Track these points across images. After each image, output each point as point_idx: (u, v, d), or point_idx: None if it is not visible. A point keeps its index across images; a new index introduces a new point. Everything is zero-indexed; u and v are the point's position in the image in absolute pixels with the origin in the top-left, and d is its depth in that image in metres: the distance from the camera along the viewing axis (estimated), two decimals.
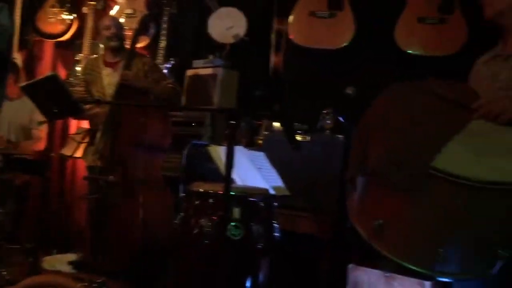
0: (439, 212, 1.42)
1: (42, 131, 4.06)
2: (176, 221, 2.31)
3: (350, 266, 2.43)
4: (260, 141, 3.34)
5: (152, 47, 4.25)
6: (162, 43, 4.09)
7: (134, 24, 3.96)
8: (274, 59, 3.77)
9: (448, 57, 3.34)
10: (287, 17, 3.72)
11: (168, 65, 4.01)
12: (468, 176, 1.36)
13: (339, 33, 3.58)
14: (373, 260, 2.36)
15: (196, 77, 3.85)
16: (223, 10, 3.93)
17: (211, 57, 3.85)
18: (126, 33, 3.60)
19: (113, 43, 3.34)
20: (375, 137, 1.57)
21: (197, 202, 2.27)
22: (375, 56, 3.58)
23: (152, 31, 4.24)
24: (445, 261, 1.41)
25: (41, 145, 4.05)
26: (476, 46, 3.12)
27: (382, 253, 1.48)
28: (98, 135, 3.14)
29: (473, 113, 1.61)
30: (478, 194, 1.38)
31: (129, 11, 4.27)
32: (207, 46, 4.00)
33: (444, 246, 1.41)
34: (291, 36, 3.69)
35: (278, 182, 2.67)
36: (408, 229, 1.45)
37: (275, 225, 2.32)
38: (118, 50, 3.37)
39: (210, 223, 2.16)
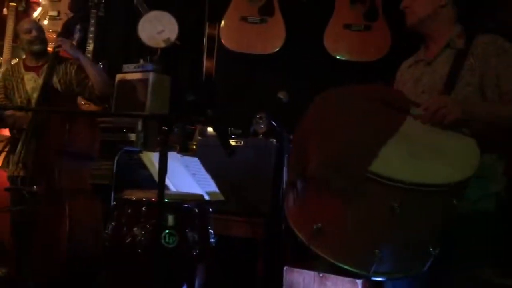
0: (376, 214, 1.44)
1: None
2: (107, 231, 2.23)
3: (285, 268, 2.46)
4: (194, 147, 3.31)
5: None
6: (90, 47, 3.95)
7: (59, 27, 3.80)
8: (206, 63, 3.76)
9: (374, 62, 3.49)
10: (219, 22, 3.72)
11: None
12: (402, 178, 1.40)
13: (270, 39, 3.63)
14: (307, 261, 2.40)
15: (126, 81, 3.75)
16: (153, 14, 3.86)
17: (141, 61, 3.77)
18: (49, 36, 3.44)
19: (36, 47, 3.18)
20: (313, 141, 1.57)
21: (129, 211, 2.20)
22: (306, 61, 3.67)
23: (78, 34, 4.07)
24: (382, 261, 1.44)
25: None
26: (400, 51, 3.30)
27: (321, 256, 1.50)
28: (20, 142, 2.97)
29: (418, 116, 1.68)
30: (411, 196, 1.42)
31: (53, 13, 4.10)
32: (137, 51, 3.91)
33: (381, 247, 1.44)
34: (223, 41, 3.69)
35: (213, 187, 2.66)
36: (346, 232, 1.47)
37: (210, 231, 2.30)
38: (41, 54, 3.22)
39: (143, 232, 2.11)
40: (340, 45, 3.55)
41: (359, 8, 3.55)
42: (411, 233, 1.48)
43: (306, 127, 1.68)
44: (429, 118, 1.67)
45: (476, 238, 1.79)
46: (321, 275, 2.34)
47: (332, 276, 2.31)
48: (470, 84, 1.83)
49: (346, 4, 3.58)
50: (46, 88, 3.02)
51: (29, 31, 3.18)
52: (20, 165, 2.92)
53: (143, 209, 2.16)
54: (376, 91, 1.82)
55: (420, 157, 1.52)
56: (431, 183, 1.43)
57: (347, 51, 3.54)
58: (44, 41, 3.24)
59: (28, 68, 3.22)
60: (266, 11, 3.65)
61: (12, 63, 3.64)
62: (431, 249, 1.50)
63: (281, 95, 2.72)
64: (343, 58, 3.55)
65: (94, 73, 3.11)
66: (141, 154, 2.62)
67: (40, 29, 3.26)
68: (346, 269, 1.48)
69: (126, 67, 3.80)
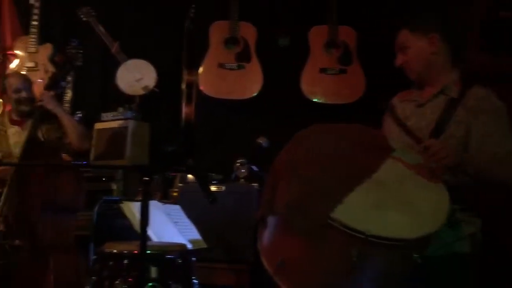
0: (334, 260, 1.46)
1: None
2: (88, 287, 2.18)
3: None
4: (175, 194, 3.29)
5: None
6: (68, 96, 3.95)
7: (37, 77, 3.80)
8: (185, 110, 3.79)
9: (350, 104, 3.57)
10: (196, 68, 3.78)
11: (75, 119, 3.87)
12: (361, 229, 1.40)
13: (248, 84, 3.70)
14: None
15: (106, 130, 3.74)
16: (131, 62, 3.92)
17: (120, 109, 3.78)
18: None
19: (24, 108, 3.16)
20: (283, 179, 1.59)
21: (111, 264, 2.16)
22: (284, 105, 3.73)
23: (62, 85, 4.04)
24: None
25: None
26: (374, 93, 3.39)
27: None
28: (2, 197, 2.90)
29: (421, 151, 1.70)
30: (370, 247, 1.41)
31: (30, 64, 4.09)
32: (116, 99, 3.93)
33: None
34: (201, 88, 3.74)
35: (195, 234, 2.63)
36: (305, 270, 1.49)
37: (194, 281, 2.27)
38: (28, 113, 3.19)
39: (125, 286, 2.06)
40: (316, 88, 3.63)
41: (333, 52, 3.67)
42: (367, 280, 1.47)
43: (279, 163, 1.68)
44: (427, 156, 1.68)
45: (453, 279, 1.80)
46: None
47: None
48: (453, 136, 1.83)
49: (320, 48, 3.68)
50: (30, 143, 2.98)
51: (18, 91, 3.15)
52: (1, 219, 2.85)
53: (125, 262, 2.12)
54: (360, 131, 1.81)
55: (386, 207, 1.51)
56: (390, 237, 1.41)
57: (324, 94, 3.62)
58: (32, 101, 3.20)
59: (13, 122, 3.20)
60: (243, 57, 3.73)
61: None
62: None
63: (261, 140, 2.75)
64: (320, 101, 3.62)
65: (71, 128, 3.09)
66: (121, 204, 2.59)
67: (30, 89, 3.22)
68: None
69: (104, 115, 3.79)
